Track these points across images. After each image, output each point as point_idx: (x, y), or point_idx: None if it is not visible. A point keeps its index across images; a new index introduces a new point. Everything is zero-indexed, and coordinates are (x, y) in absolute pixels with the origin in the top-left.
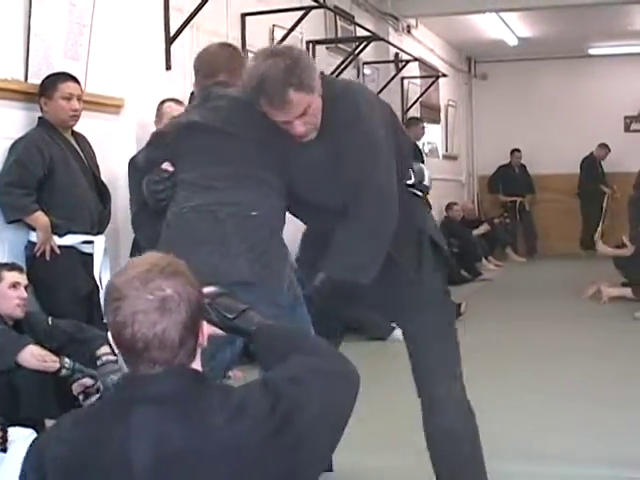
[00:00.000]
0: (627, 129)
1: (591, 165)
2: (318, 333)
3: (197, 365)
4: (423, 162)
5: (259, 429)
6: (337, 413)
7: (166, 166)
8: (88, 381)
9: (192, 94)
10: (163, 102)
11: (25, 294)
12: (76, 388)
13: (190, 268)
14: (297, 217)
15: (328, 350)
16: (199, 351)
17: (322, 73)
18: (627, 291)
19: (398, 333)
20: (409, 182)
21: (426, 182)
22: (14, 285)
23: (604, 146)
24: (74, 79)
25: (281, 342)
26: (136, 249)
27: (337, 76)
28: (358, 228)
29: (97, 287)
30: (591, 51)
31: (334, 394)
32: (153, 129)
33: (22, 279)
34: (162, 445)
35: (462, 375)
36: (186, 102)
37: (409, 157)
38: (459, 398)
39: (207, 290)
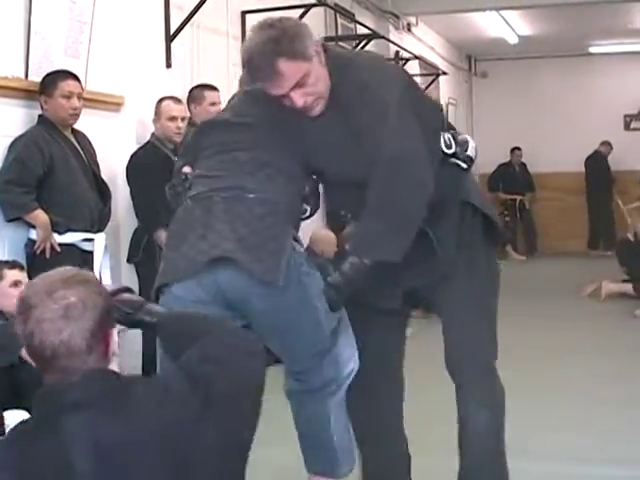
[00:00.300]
0: (627, 127)
1: (599, 162)
2: (353, 323)
3: (114, 367)
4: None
5: (187, 407)
6: (251, 384)
7: (185, 169)
8: None
9: None
10: (161, 100)
11: None
12: None
13: (179, 255)
14: (332, 200)
15: (232, 328)
16: (114, 358)
17: (326, 44)
18: (628, 287)
19: None
20: (448, 151)
21: (470, 152)
22: (15, 284)
23: (607, 144)
24: (74, 77)
25: (186, 328)
26: (135, 248)
27: None
28: (377, 201)
29: None
30: (591, 49)
31: (245, 367)
32: (152, 127)
33: (23, 277)
34: (101, 446)
35: (495, 368)
36: (185, 100)
37: (435, 124)
38: (492, 398)
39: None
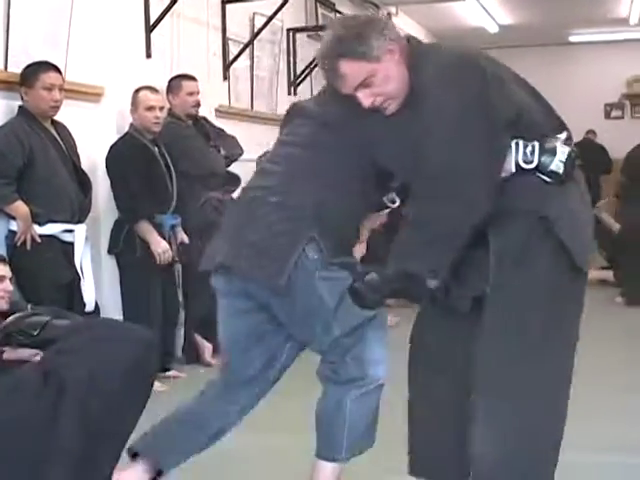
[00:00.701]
0: (607, 116)
1: (588, 149)
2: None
3: None
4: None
5: (41, 397)
6: (119, 369)
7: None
8: None
9: None
10: (138, 90)
11: (10, 287)
12: None
13: (210, 247)
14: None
15: (111, 324)
16: None
17: (411, 39)
18: (609, 274)
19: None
20: (527, 166)
21: (554, 167)
22: None
23: (592, 132)
24: (56, 69)
25: (76, 332)
26: (116, 239)
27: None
28: (416, 210)
29: (78, 276)
30: (572, 38)
31: (111, 354)
32: (130, 118)
33: (6, 272)
34: None
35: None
36: (164, 90)
37: (508, 131)
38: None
39: (8, 320)
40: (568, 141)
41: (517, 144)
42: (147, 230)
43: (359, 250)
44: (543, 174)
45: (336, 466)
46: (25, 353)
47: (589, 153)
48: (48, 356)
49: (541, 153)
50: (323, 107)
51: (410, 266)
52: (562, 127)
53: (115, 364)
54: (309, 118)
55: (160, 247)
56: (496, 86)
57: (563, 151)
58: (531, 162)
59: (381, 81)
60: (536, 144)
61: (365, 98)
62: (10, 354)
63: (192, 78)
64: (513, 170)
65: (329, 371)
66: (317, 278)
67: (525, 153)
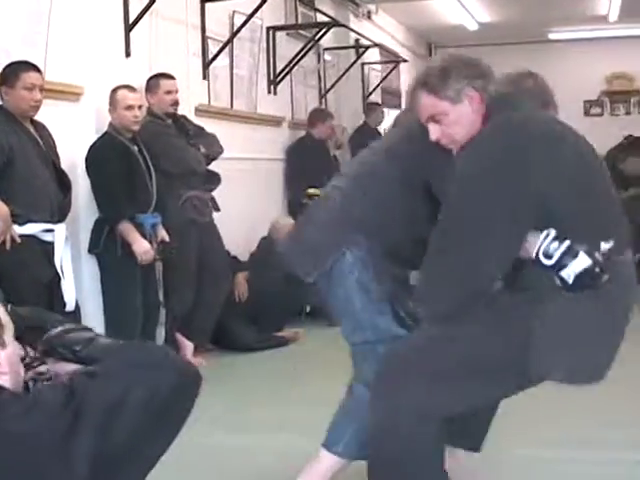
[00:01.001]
0: (587, 113)
1: None
2: None
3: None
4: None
5: (54, 421)
6: (140, 400)
7: None
8: (42, 368)
9: None
10: (116, 90)
11: None
12: (29, 375)
13: None
14: None
15: (147, 349)
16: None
17: (501, 97)
18: None
19: None
20: (546, 261)
21: (564, 274)
22: None
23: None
24: (36, 69)
25: (113, 353)
26: (96, 239)
27: (298, 61)
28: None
29: (58, 275)
30: (551, 36)
31: (135, 384)
32: (109, 117)
33: None
34: None
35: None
36: (143, 89)
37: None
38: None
39: (54, 332)
40: (611, 251)
41: (547, 235)
42: (129, 230)
43: None
44: (556, 275)
45: (335, 463)
46: (66, 367)
47: None
48: (78, 376)
49: (563, 254)
50: (412, 119)
51: (420, 307)
52: (608, 235)
53: (144, 392)
54: (397, 128)
55: (142, 248)
56: (527, 170)
57: (582, 263)
58: (550, 258)
59: (450, 122)
60: (566, 243)
61: (433, 132)
62: (53, 366)
63: (170, 77)
64: (533, 257)
65: (356, 368)
66: (351, 281)
67: (549, 246)
